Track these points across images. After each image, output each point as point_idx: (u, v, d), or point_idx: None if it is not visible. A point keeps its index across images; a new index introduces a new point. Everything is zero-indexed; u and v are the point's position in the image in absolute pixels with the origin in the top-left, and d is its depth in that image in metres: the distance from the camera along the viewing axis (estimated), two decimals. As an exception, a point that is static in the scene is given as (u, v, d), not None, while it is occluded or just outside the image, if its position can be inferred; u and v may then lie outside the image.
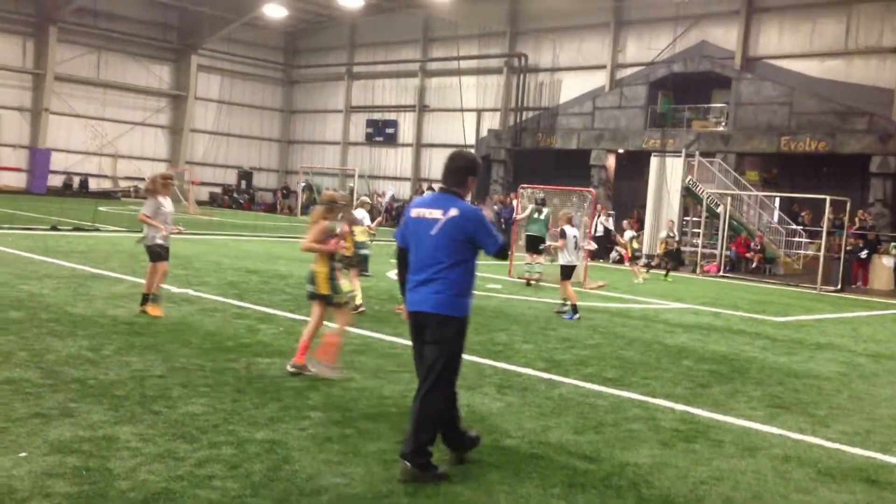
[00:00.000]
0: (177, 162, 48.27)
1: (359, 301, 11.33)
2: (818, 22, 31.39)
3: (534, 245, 18.16)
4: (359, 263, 11.71)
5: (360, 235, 12.11)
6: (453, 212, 5.21)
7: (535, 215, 18.59)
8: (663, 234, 24.30)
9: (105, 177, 47.04)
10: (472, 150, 41.83)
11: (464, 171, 5.40)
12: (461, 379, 7.91)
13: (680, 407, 7.56)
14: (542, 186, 23.09)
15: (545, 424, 6.51)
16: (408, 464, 5.06)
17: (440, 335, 5.23)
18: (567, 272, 13.44)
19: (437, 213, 5.25)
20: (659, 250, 24.16)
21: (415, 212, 5.38)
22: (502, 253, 5.39)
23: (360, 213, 13.20)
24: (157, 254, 10.32)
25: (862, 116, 28.99)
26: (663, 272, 22.90)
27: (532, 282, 17.72)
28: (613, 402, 7.59)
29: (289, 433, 5.80)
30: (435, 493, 4.90)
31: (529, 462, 5.62)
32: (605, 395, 7.80)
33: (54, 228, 22.15)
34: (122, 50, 46.84)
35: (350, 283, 10.78)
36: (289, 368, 7.65)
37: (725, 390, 8.46)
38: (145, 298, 10.24)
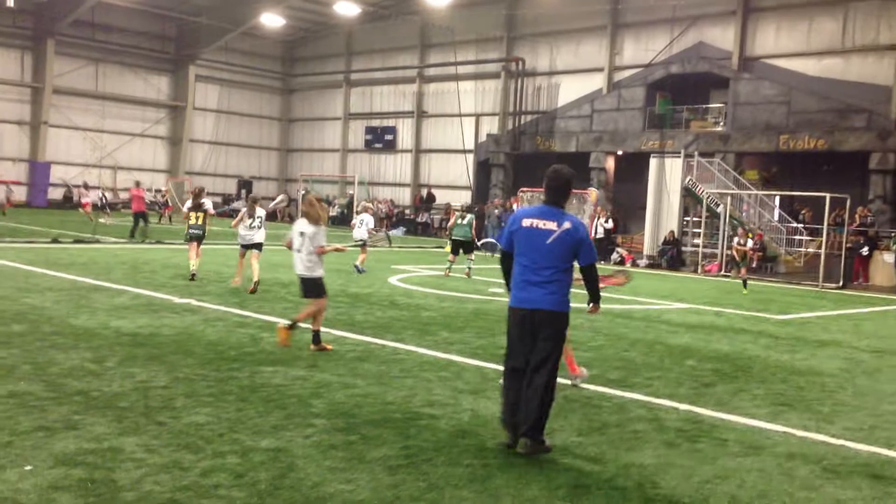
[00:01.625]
0: (176, 172, 48.39)
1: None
2: (815, 20, 31.42)
3: (458, 248, 19.73)
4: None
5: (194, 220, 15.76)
6: (567, 224, 5.97)
7: (460, 221, 20.03)
8: (750, 243, 22.14)
9: (105, 188, 47.08)
10: (475, 155, 41.92)
11: (565, 188, 6.22)
12: (465, 383, 7.94)
13: (684, 407, 7.56)
14: (541, 189, 23.15)
15: (549, 427, 6.48)
16: (528, 440, 5.77)
17: (555, 330, 5.95)
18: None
19: (551, 225, 5.98)
20: (737, 257, 21.74)
21: (526, 221, 6.08)
22: (593, 268, 6.12)
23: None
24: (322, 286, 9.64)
25: (860, 114, 29.01)
26: (740, 281, 20.91)
27: (447, 275, 19.17)
28: (617, 403, 7.59)
29: (293, 441, 5.80)
30: (440, 498, 4.90)
31: (534, 465, 5.62)
32: (608, 397, 7.81)
33: (55, 241, 22.17)
34: (120, 62, 46.97)
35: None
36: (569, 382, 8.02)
37: (729, 389, 8.46)
38: (317, 336, 9.32)
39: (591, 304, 6.33)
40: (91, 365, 7.81)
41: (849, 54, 30.57)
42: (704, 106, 34.26)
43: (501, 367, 8.85)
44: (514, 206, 31.85)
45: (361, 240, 19.40)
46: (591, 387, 8.17)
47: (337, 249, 10.13)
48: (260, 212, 14.93)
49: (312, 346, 9.21)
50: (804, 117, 30.24)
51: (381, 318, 11.97)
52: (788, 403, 7.96)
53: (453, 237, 20.03)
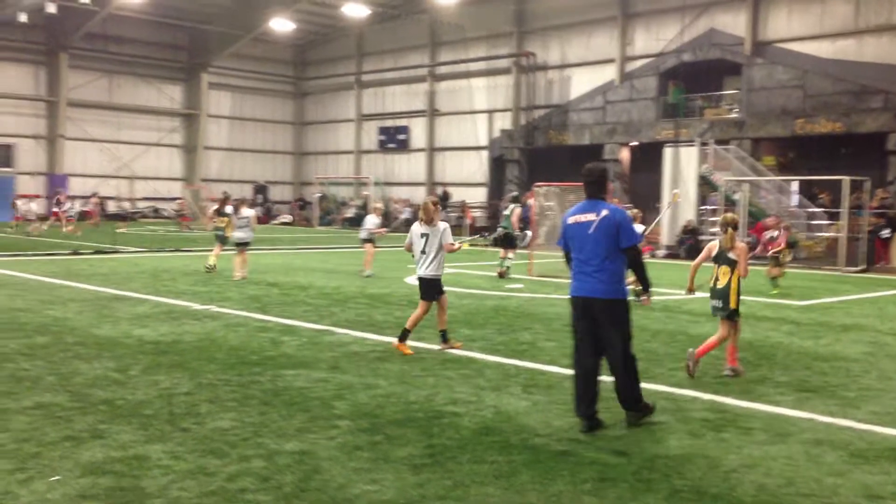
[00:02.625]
0: (192, 180, 48.65)
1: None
2: (827, 2, 31.15)
3: (503, 241, 18.67)
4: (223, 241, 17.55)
5: (219, 223, 17.66)
6: (605, 212, 6.34)
7: (505, 212, 19.37)
8: (776, 234, 18.29)
9: (123, 199, 47.43)
10: (487, 150, 41.90)
11: (600, 180, 6.54)
12: (486, 380, 7.93)
13: (707, 396, 7.51)
14: (557, 184, 23.07)
15: (573, 421, 6.49)
16: (630, 413, 6.42)
17: (614, 318, 6.33)
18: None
19: (590, 216, 6.37)
20: (772, 251, 17.78)
21: (572, 219, 6.51)
22: (633, 250, 6.37)
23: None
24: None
25: (877, 95, 28.73)
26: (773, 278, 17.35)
27: (502, 275, 18.20)
28: (640, 395, 7.55)
29: (318, 443, 5.82)
30: (465, 496, 4.90)
31: (559, 459, 5.61)
32: (631, 389, 7.76)
33: (76, 253, 22.36)
34: (133, 72, 47.28)
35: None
36: (725, 372, 8.39)
37: (753, 377, 8.40)
38: (444, 335, 9.50)
39: (642, 297, 6.54)
40: (115, 374, 7.87)
41: (863, 35, 30.29)
42: (718, 93, 34.04)
43: (526, 364, 8.89)
44: (529, 202, 31.76)
45: (365, 240, 18.51)
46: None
47: (460, 247, 10.04)
48: (247, 212, 16.89)
49: (442, 345, 9.37)
50: (820, 100, 29.99)
51: (400, 317, 11.96)
52: (813, 389, 7.90)
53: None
